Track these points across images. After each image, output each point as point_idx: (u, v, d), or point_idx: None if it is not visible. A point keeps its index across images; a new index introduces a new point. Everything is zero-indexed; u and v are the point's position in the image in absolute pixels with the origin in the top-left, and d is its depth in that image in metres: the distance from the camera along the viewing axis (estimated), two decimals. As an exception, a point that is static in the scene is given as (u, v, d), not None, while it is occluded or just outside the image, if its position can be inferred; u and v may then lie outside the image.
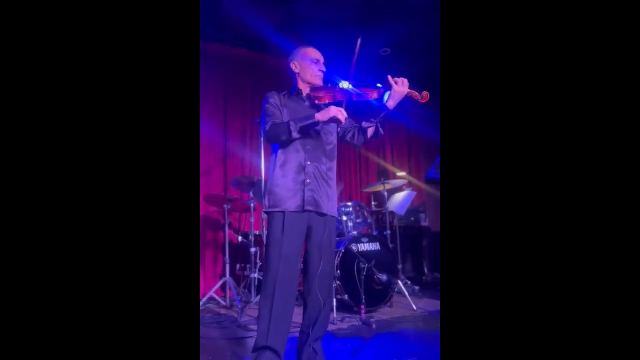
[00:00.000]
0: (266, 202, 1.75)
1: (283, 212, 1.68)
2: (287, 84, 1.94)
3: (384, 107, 1.73)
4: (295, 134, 1.66)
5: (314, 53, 1.86)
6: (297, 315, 1.84)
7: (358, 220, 3.58)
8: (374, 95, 1.75)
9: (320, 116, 1.64)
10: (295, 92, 1.86)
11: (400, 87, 1.70)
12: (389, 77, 1.71)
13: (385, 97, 1.75)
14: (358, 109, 1.84)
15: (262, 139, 3.37)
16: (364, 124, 1.84)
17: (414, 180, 5.57)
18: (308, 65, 1.83)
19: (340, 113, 1.62)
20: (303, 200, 1.68)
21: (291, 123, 1.66)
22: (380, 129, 1.85)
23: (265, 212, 1.75)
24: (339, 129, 1.89)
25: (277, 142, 1.75)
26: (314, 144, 1.76)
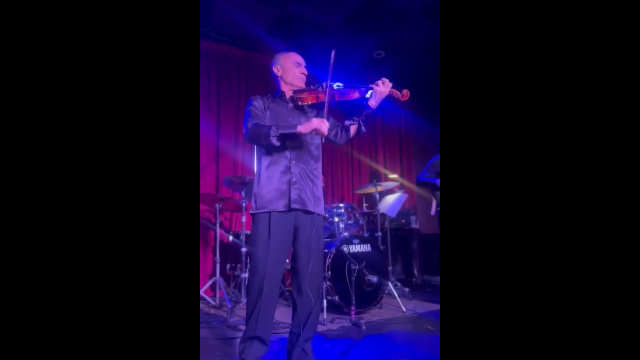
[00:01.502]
0: (253, 205, 1.77)
1: (269, 212, 1.71)
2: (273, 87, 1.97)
3: (367, 106, 1.78)
4: (274, 141, 1.65)
5: (295, 57, 1.90)
6: (287, 316, 1.84)
7: (350, 222, 3.60)
8: (355, 95, 1.80)
9: (302, 128, 1.65)
10: (278, 95, 1.89)
11: (382, 87, 1.75)
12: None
13: (368, 94, 1.79)
14: (342, 108, 1.87)
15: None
16: (347, 122, 1.88)
17: (406, 183, 5.61)
18: (290, 68, 1.86)
19: (323, 125, 1.63)
20: (289, 199, 1.71)
21: (272, 128, 1.66)
22: (363, 127, 1.89)
23: (252, 214, 1.77)
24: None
25: (256, 144, 1.77)
26: (299, 145, 1.79)
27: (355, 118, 1.85)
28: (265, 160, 1.78)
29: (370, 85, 1.77)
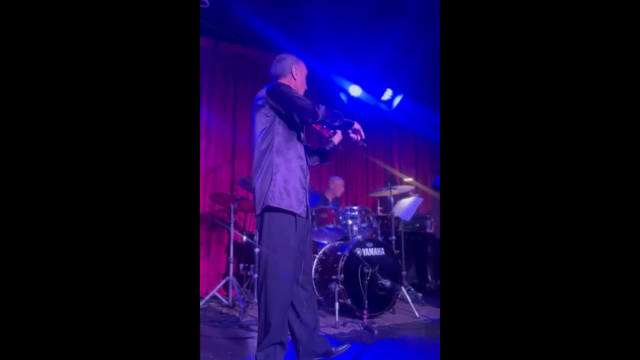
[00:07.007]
0: (273, 196, 1.66)
1: (295, 216, 1.72)
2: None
3: (330, 141, 2.10)
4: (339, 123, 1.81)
5: (306, 69, 2.04)
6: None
7: (363, 225, 3.57)
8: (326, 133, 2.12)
9: (357, 125, 1.87)
10: None
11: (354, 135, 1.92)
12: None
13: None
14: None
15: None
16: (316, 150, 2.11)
17: (421, 186, 5.55)
18: (303, 81, 2.01)
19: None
20: (307, 207, 1.81)
21: (341, 114, 1.81)
22: (326, 158, 2.13)
23: (274, 207, 1.67)
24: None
25: (306, 121, 1.77)
26: (305, 153, 1.93)
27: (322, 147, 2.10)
28: (281, 158, 1.73)
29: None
